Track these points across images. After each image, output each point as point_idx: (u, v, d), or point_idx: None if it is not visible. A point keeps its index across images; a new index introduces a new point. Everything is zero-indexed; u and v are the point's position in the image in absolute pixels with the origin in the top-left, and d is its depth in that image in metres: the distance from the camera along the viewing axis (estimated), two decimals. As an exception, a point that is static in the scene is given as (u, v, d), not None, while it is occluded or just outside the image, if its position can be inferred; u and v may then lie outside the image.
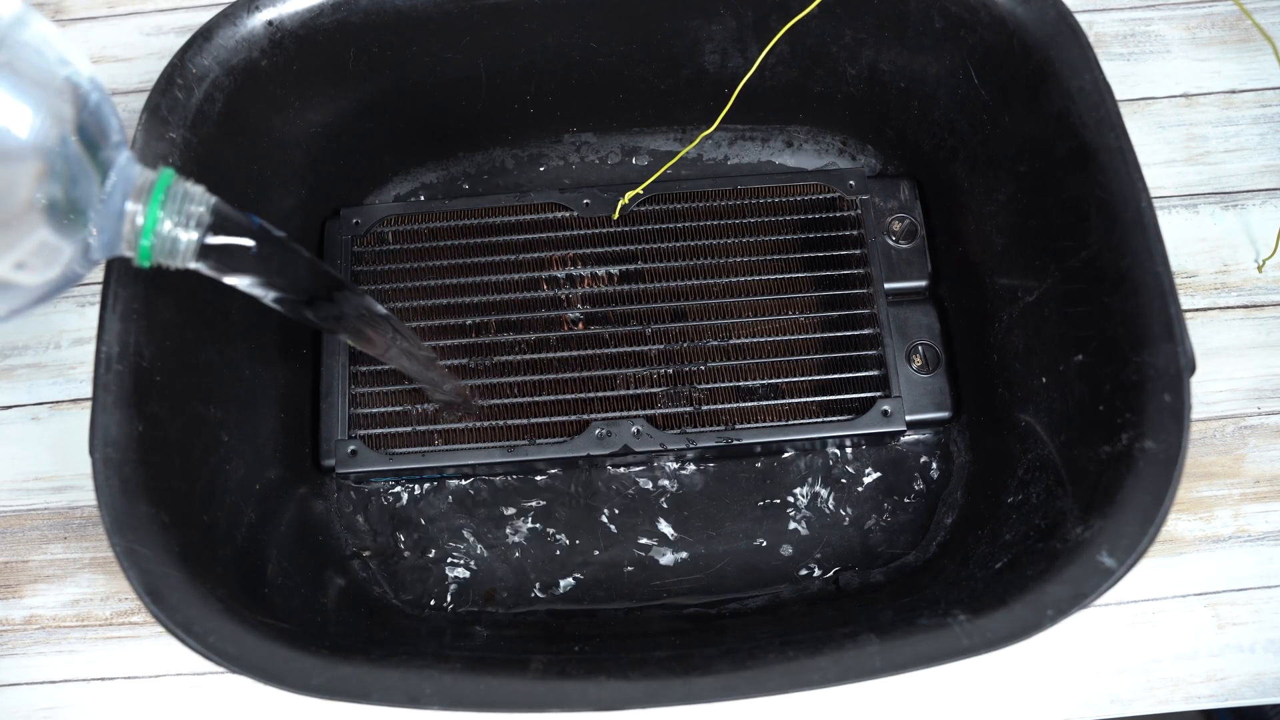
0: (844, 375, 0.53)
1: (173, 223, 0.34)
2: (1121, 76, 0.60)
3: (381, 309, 0.42)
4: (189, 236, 0.34)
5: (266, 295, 0.38)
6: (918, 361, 0.54)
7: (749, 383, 0.54)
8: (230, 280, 0.37)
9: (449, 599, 0.52)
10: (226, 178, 0.48)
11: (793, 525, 0.52)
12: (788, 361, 0.54)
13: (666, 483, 0.53)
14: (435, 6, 0.51)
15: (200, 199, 0.35)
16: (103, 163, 0.31)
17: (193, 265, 0.35)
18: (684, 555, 0.52)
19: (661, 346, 0.54)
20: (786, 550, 0.52)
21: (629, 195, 0.56)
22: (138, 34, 0.64)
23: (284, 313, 0.39)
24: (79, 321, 0.58)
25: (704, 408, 0.53)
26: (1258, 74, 0.60)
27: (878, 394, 0.53)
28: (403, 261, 0.56)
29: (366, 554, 0.52)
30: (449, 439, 0.52)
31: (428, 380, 0.49)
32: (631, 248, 0.56)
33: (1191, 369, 0.40)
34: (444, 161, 0.60)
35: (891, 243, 0.56)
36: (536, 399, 0.53)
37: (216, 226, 0.35)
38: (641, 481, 0.53)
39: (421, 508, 0.53)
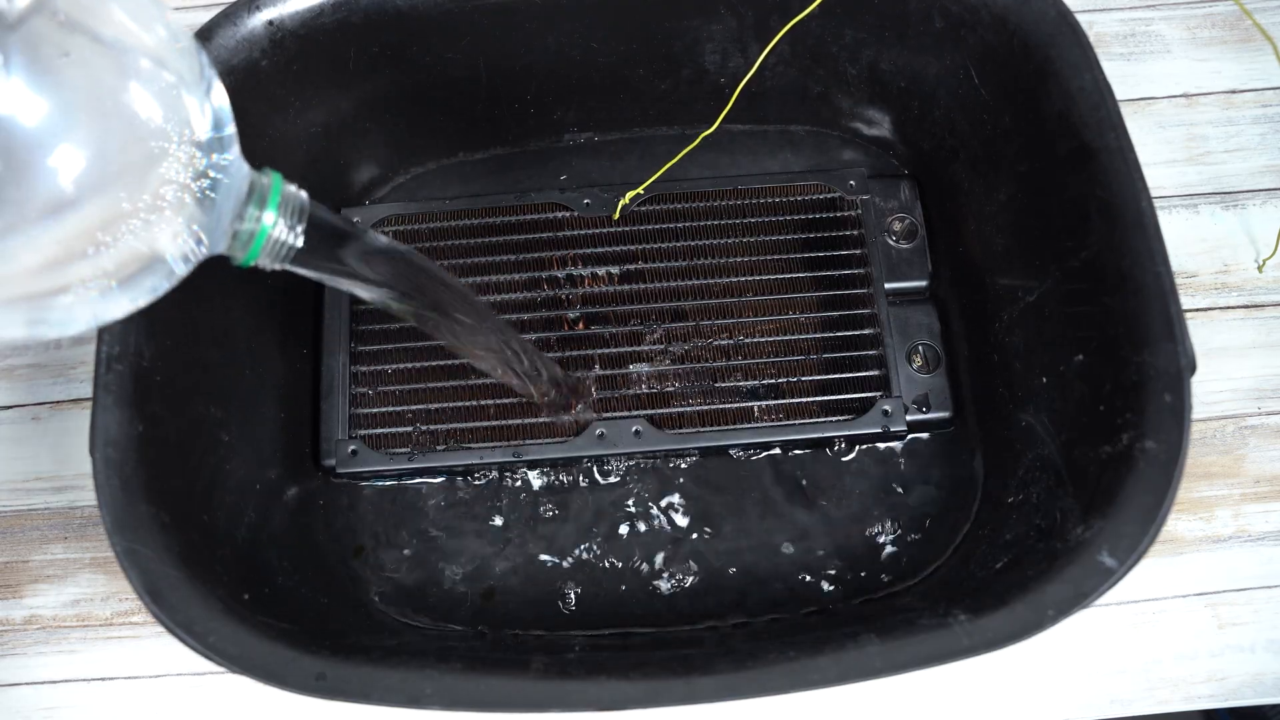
0: (844, 375, 0.53)
1: (285, 226, 0.34)
2: (1122, 76, 0.60)
3: (462, 285, 0.42)
4: (294, 240, 0.35)
5: (366, 293, 0.38)
6: (918, 361, 0.54)
7: (749, 383, 0.54)
8: (327, 280, 0.37)
9: (449, 599, 0.51)
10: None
11: (793, 525, 0.52)
12: (788, 361, 0.54)
13: (665, 482, 0.53)
14: (435, 6, 0.51)
15: (302, 202, 0.35)
16: (219, 161, 0.31)
17: (290, 267, 0.36)
18: (683, 553, 0.52)
19: (661, 347, 0.54)
20: (788, 549, 0.52)
21: (629, 195, 0.56)
22: None
23: (388, 308, 0.40)
24: (79, 321, 0.58)
25: (704, 407, 0.53)
26: (1258, 74, 0.60)
27: (878, 394, 0.53)
28: (403, 261, 0.56)
29: (366, 554, 0.52)
30: (449, 439, 0.52)
31: (528, 377, 0.47)
32: (631, 248, 0.56)
33: (1192, 369, 0.40)
34: (444, 161, 0.60)
35: (892, 243, 0.55)
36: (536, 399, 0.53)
37: (315, 229, 0.35)
38: (641, 481, 0.53)
39: (421, 508, 0.53)
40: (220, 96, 0.32)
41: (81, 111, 0.27)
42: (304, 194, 0.35)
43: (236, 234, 0.33)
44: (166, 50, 0.30)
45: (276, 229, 0.34)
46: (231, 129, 0.32)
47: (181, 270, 0.32)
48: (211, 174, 0.31)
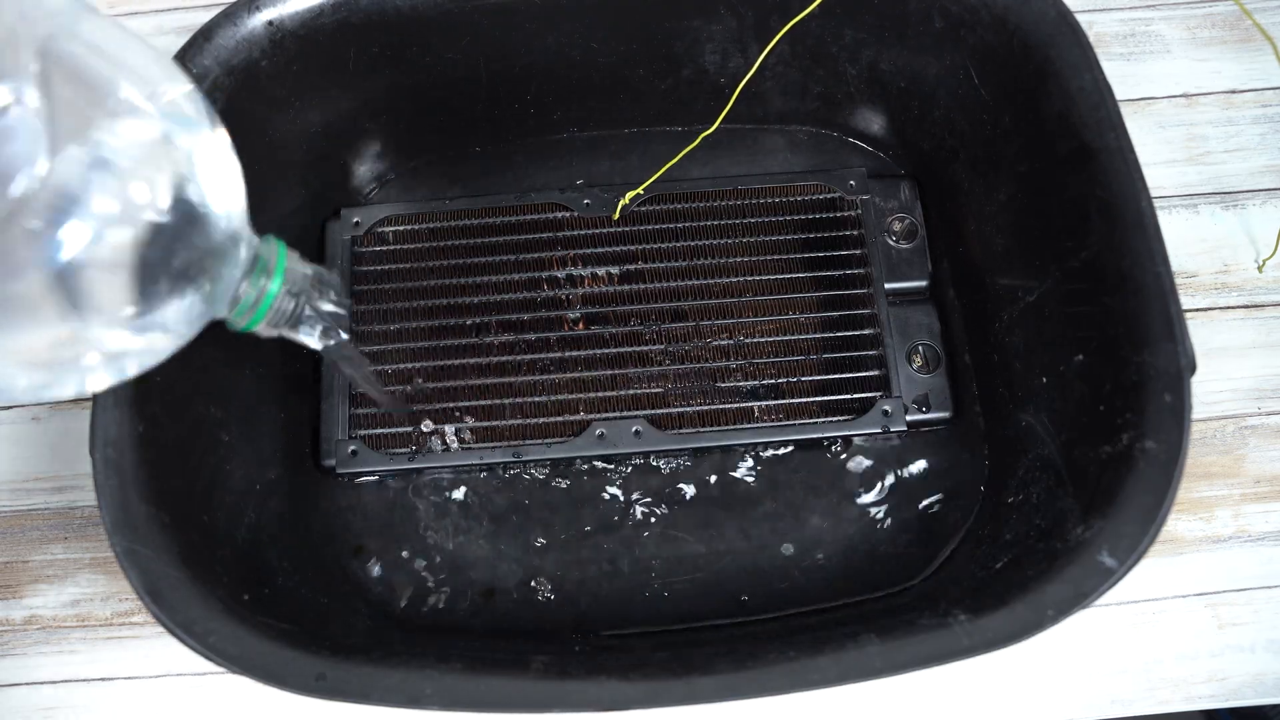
0: (844, 375, 0.53)
1: (288, 295, 0.35)
2: (1122, 76, 0.60)
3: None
4: (292, 307, 0.35)
5: (316, 345, 0.39)
6: (918, 361, 0.54)
7: (749, 383, 0.54)
8: (292, 336, 0.38)
9: (448, 599, 0.51)
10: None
11: (793, 525, 0.52)
12: (788, 361, 0.54)
13: (665, 482, 0.53)
14: (435, 6, 0.51)
15: (303, 274, 0.35)
16: (229, 230, 0.32)
17: (282, 333, 0.36)
18: (683, 554, 0.52)
19: (662, 347, 0.54)
20: (788, 549, 0.51)
21: (629, 195, 0.56)
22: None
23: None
24: (79, 322, 0.57)
25: (704, 408, 0.53)
26: (1258, 74, 0.60)
27: (878, 394, 0.53)
28: (403, 261, 0.56)
29: (366, 554, 0.52)
30: (449, 439, 0.52)
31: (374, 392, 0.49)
32: (631, 248, 0.56)
33: (1192, 369, 0.40)
34: (444, 161, 0.60)
35: (892, 243, 0.55)
36: (537, 399, 0.53)
37: (305, 295, 0.36)
38: (641, 481, 0.53)
39: (421, 508, 0.53)
40: (237, 184, 0.32)
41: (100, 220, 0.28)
42: (305, 264, 0.36)
43: (239, 301, 0.34)
44: (188, 155, 0.30)
45: (281, 300, 0.35)
46: (240, 199, 0.32)
47: (186, 338, 0.32)
48: (222, 262, 0.31)
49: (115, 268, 0.28)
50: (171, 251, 0.29)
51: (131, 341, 0.30)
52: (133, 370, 0.32)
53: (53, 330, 0.28)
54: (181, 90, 0.31)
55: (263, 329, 0.36)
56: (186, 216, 0.30)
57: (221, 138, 0.32)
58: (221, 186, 0.31)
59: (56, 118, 0.26)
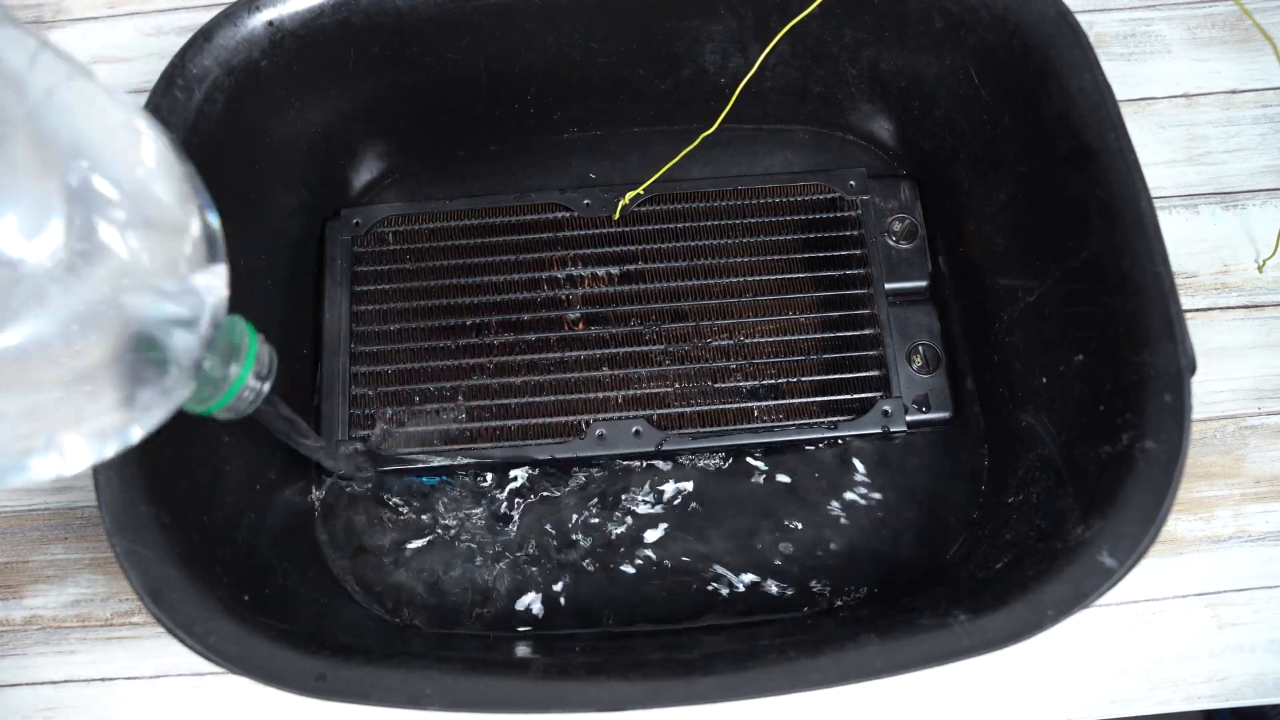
0: (844, 375, 0.53)
1: (255, 380, 0.35)
2: (1122, 76, 0.60)
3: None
4: (260, 390, 0.36)
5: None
6: (918, 361, 0.54)
7: (749, 383, 0.54)
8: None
9: (448, 599, 0.51)
10: (227, 179, 0.48)
11: (793, 525, 0.52)
12: (788, 361, 0.54)
13: (666, 483, 0.53)
14: (435, 6, 0.51)
15: (270, 355, 0.36)
16: (200, 312, 0.31)
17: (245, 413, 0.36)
18: (683, 553, 0.52)
19: (661, 347, 0.54)
20: (787, 549, 0.51)
21: (629, 195, 0.56)
22: (138, 34, 0.64)
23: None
24: (79, 322, 0.57)
25: (704, 408, 0.53)
26: (1258, 74, 0.60)
27: (878, 394, 0.53)
28: (403, 261, 0.56)
29: (366, 554, 0.52)
30: (449, 440, 0.52)
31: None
32: (631, 248, 0.56)
33: (1192, 369, 0.40)
34: (444, 162, 0.60)
35: (892, 243, 0.55)
36: (536, 399, 0.53)
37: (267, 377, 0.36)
38: (641, 482, 0.53)
39: (421, 508, 0.53)
40: (216, 237, 0.32)
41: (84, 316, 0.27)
42: (268, 348, 0.36)
43: (203, 383, 0.33)
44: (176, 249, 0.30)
45: (248, 384, 0.35)
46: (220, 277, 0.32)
47: (155, 422, 0.32)
48: (201, 354, 0.31)
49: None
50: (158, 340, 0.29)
51: (108, 419, 0.30)
52: (110, 450, 0.31)
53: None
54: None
55: (223, 415, 0.36)
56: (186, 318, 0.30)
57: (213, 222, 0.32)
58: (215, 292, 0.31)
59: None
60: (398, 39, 0.52)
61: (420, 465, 0.52)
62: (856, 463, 0.53)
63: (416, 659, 0.39)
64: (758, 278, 0.55)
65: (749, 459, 0.54)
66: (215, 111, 0.47)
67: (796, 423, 0.52)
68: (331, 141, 0.55)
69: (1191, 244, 0.57)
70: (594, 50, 0.54)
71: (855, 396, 0.53)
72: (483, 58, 0.54)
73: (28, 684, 0.51)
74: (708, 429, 0.52)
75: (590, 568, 0.52)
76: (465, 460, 0.52)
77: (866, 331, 0.54)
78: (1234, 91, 0.60)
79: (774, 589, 0.51)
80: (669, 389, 0.53)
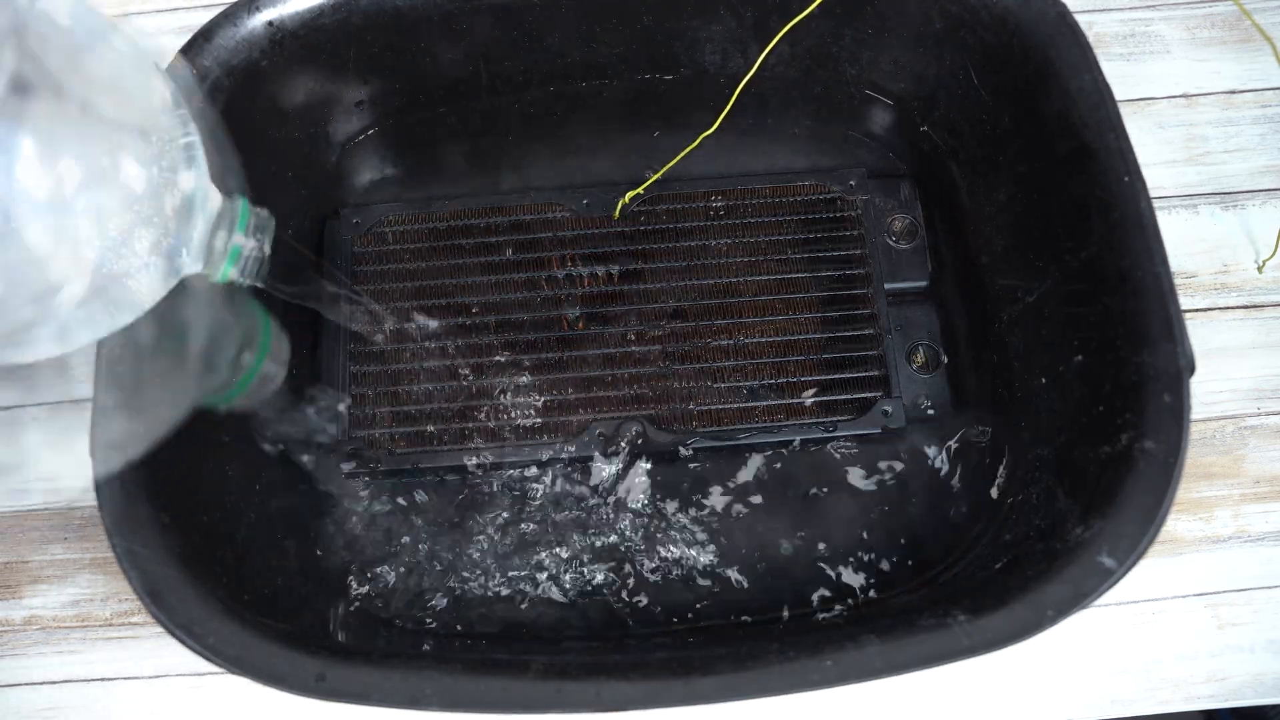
0: (844, 375, 0.53)
1: (254, 245, 0.37)
2: (1121, 77, 0.60)
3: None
4: (262, 256, 0.37)
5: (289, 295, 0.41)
6: (918, 361, 0.54)
7: (749, 382, 0.54)
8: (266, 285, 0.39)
9: (448, 599, 0.51)
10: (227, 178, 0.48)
11: (792, 525, 0.52)
12: (788, 361, 0.54)
13: (665, 482, 0.53)
14: (435, 6, 0.51)
15: (268, 223, 0.37)
16: (191, 192, 0.33)
17: (257, 283, 0.38)
18: (683, 553, 0.52)
19: (662, 346, 0.54)
20: (787, 549, 0.52)
21: (629, 195, 0.56)
22: (138, 34, 0.64)
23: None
24: (79, 322, 0.57)
25: (704, 407, 0.53)
26: (1258, 74, 0.60)
27: (878, 394, 0.53)
28: (403, 261, 0.56)
29: (366, 554, 0.52)
30: (449, 440, 0.52)
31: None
32: (631, 248, 0.56)
33: (1191, 369, 0.40)
34: (444, 161, 0.60)
35: (892, 242, 0.56)
36: (536, 399, 0.53)
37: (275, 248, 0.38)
38: (641, 481, 0.53)
39: (421, 507, 0.53)
40: (192, 130, 0.34)
41: (74, 181, 0.29)
42: (267, 214, 0.37)
43: (210, 255, 0.35)
44: (153, 116, 0.32)
45: (247, 248, 0.37)
46: (201, 160, 0.33)
47: (160, 293, 0.33)
48: (188, 235, 0.33)
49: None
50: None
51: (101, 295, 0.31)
52: (102, 330, 0.32)
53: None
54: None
55: (234, 275, 0.37)
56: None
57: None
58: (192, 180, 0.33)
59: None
60: (398, 39, 0.52)
61: (420, 465, 0.52)
62: (855, 463, 0.53)
63: (416, 659, 0.39)
64: (757, 277, 0.55)
65: (748, 459, 0.54)
66: (215, 112, 0.47)
67: (796, 422, 0.52)
68: (331, 141, 0.55)
69: (1191, 244, 0.57)
70: (594, 50, 0.54)
71: (855, 396, 0.53)
72: (483, 58, 0.54)
73: (28, 684, 0.51)
74: (708, 429, 0.52)
75: (591, 567, 0.52)
76: (465, 460, 0.52)
77: (866, 331, 0.54)
78: (1233, 92, 0.60)
79: (774, 588, 0.51)
80: (669, 389, 0.53)
